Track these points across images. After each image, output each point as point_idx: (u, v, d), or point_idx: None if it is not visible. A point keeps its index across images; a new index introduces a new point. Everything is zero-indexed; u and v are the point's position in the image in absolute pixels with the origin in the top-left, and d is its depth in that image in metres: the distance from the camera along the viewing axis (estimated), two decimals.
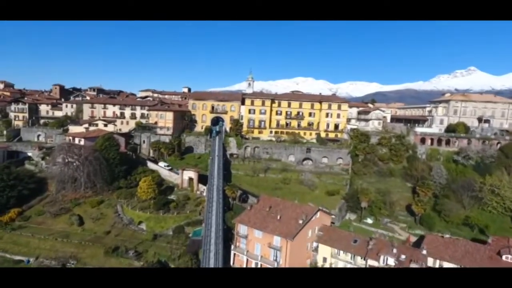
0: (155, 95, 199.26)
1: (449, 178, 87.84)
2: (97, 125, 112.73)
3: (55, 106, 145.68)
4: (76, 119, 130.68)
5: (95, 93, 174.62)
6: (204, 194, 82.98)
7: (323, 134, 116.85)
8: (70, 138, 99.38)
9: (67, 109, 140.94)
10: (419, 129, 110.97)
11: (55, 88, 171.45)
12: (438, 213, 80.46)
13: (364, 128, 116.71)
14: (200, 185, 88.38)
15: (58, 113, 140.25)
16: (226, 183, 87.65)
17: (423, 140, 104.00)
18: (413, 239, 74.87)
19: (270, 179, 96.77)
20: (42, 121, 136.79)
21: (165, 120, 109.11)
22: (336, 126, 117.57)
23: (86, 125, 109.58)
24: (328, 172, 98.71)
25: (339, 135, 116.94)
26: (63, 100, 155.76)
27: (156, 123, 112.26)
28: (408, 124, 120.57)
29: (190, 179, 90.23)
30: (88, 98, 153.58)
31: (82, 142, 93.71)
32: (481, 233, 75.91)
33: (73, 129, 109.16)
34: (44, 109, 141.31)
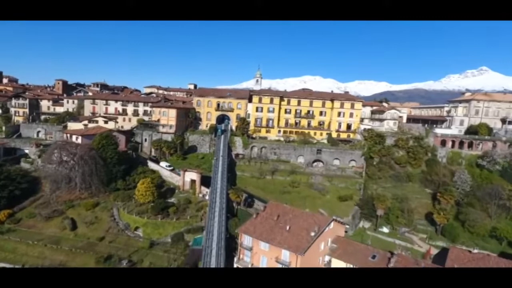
0: (160, 91, 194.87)
1: (473, 184, 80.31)
2: (97, 122, 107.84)
3: (57, 101, 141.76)
4: (77, 115, 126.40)
5: (98, 88, 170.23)
6: (207, 197, 77.20)
7: (334, 134, 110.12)
8: (68, 135, 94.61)
9: (68, 105, 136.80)
10: (439, 131, 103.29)
11: (58, 83, 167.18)
12: (461, 223, 73.36)
13: (378, 129, 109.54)
14: (203, 188, 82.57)
15: (60, 109, 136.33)
16: (230, 186, 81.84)
17: (443, 143, 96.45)
18: (434, 251, 68.14)
19: (278, 182, 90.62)
20: (42, 117, 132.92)
21: (168, 118, 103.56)
22: (349, 126, 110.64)
23: (86, 122, 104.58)
24: (340, 175, 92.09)
25: (351, 135, 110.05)
26: (65, 95, 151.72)
27: (158, 120, 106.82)
28: (425, 125, 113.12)
29: (192, 181, 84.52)
30: (90, 94, 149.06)
31: (79, 140, 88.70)
32: (511, 247, 68.81)
33: (71, 125, 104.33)
34: (45, 104, 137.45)
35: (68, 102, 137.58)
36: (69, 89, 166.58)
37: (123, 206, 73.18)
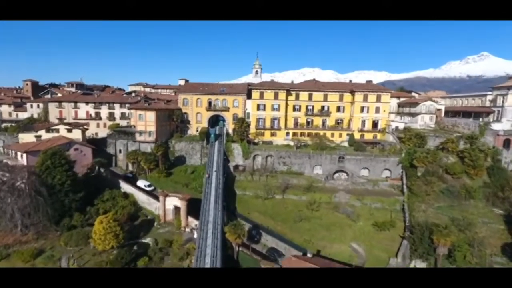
0: (147, 89, 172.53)
1: None
2: (57, 130, 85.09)
3: (20, 106, 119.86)
4: (42, 122, 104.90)
5: (73, 89, 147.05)
6: (195, 235, 55.23)
7: (357, 135, 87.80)
8: (13, 151, 72.44)
9: (33, 110, 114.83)
10: (497, 126, 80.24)
11: (27, 84, 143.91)
12: None
13: (411, 126, 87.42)
14: (191, 219, 60.77)
15: (24, 115, 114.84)
16: (228, 216, 59.99)
17: (506, 143, 74.03)
18: None
19: (291, 203, 68.54)
20: (3, 125, 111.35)
21: (146, 122, 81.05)
22: (375, 124, 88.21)
23: (41, 132, 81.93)
24: (372, 191, 70.01)
25: (379, 136, 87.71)
26: (31, 98, 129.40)
27: (134, 126, 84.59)
28: (470, 119, 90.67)
29: (177, 208, 62.68)
30: (60, 95, 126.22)
31: (24, 159, 66.55)
32: None
33: (23, 137, 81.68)
34: (5, 110, 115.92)
35: (32, 106, 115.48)
36: (40, 90, 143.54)
37: (76, 256, 51.13)
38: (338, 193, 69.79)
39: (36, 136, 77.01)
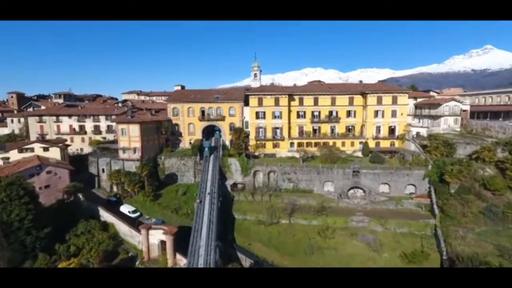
0: (141, 97, 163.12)
1: None
2: (32, 149, 75.19)
3: (2, 121, 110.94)
4: (24, 138, 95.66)
5: (61, 100, 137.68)
6: None
7: (371, 143, 76.86)
8: None
9: (13, 125, 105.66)
10: None
11: (11, 97, 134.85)
12: None
13: (433, 131, 76.24)
14: (179, 257, 50.25)
15: (5, 131, 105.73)
16: (224, 250, 49.31)
17: None
18: None
19: (299, 230, 57.74)
20: None
21: (129, 137, 70.84)
22: (392, 130, 77.26)
23: (12, 152, 72.09)
24: (395, 212, 59.00)
25: (397, 143, 76.69)
26: (15, 112, 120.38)
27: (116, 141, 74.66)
28: (506, 121, 79.08)
29: (163, 243, 52.23)
30: (43, 107, 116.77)
31: None
32: None
33: None
34: None
35: (12, 121, 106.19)
36: (26, 102, 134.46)
37: None
38: (355, 215, 58.87)
39: (3, 158, 67.10)
